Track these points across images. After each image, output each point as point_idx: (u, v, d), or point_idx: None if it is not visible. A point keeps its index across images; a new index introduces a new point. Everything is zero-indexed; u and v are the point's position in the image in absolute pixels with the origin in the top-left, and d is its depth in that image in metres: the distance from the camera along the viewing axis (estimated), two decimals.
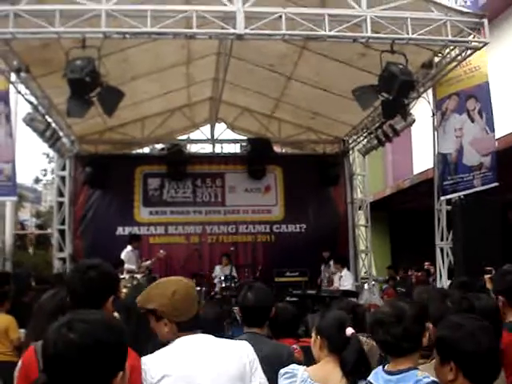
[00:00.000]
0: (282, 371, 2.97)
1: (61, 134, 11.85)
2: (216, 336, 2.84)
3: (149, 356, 2.60)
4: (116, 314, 4.39)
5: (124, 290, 7.99)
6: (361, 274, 14.58)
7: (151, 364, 2.55)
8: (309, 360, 3.29)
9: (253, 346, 2.89)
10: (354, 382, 2.88)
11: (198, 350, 2.61)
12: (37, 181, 37.88)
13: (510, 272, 3.84)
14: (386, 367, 2.70)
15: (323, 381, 2.94)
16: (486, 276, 5.61)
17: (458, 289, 4.22)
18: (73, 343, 1.60)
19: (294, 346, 3.86)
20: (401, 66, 8.20)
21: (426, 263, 14.92)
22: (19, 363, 2.68)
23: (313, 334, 3.17)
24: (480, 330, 2.32)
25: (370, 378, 2.73)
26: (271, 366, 3.11)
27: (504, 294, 3.48)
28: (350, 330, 3.00)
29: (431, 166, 11.05)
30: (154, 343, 2.75)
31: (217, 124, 14.76)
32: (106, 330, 1.68)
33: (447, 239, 10.23)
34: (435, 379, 2.44)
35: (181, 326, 2.66)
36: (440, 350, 2.38)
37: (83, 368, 1.59)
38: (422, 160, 16.06)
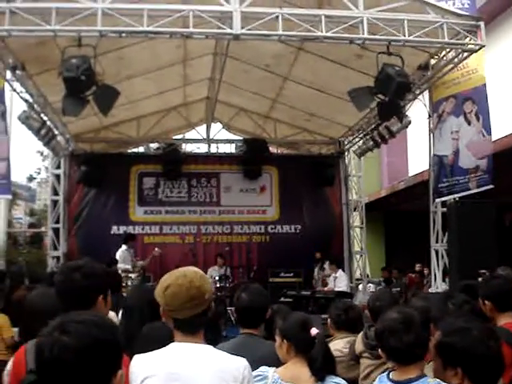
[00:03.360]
0: (253, 374, 2.97)
1: (56, 132, 11.81)
2: (212, 336, 2.79)
3: (138, 356, 2.52)
4: (112, 314, 4.38)
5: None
6: (355, 275, 14.58)
7: (137, 363, 2.48)
8: None
9: (249, 347, 2.89)
10: (322, 378, 2.95)
11: (185, 362, 2.46)
12: (30, 179, 37.85)
13: (496, 277, 3.89)
14: (391, 376, 2.65)
15: (293, 380, 2.99)
16: (480, 279, 5.63)
17: (461, 292, 4.20)
18: (69, 346, 1.57)
19: None
20: (397, 68, 8.20)
21: (418, 265, 14.97)
22: (9, 363, 2.67)
23: (277, 338, 3.19)
24: (486, 333, 2.29)
25: None
26: (267, 366, 3.12)
27: (490, 299, 3.50)
28: (314, 330, 3.08)
29: (427, 167, 11.07)
30: (154, 345, 2.67)
31: (212, 124, 14.74)
32: (100, 328, 1.66)
33: (442, 241, 10.24)
34: None
35: (176, 323, 2.55)
36: (444, 355, 2.32)
37: (82, 370, 1.57)
38: (418, 162, 16.13)
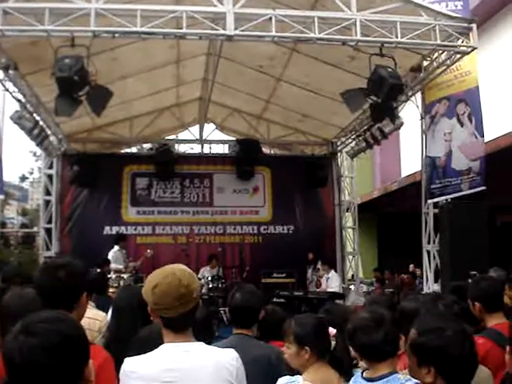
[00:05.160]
0: (281, 382, 2.91)
1: (49, 132, 11.78)
2: (205, 337, 2.78)
3: (131, 358, 2.49)
4: (103, 314, 4.38)
5: (111, 290, 8.00)
6: (348, 276, 14.62)
7: (132, 365, 2.46)
8: None
9: (241, 347, 2.86)
10: (350, 376, 2.90)
11: (177, 363, 2.45)
12: (23, 179, 37.78)
13: (485, 278, 3.92)
14: (364, 374, 2.71)
15: None
16: (469, 280, 5.66)
17: (451, 293, 4.24)
18: (38, 347, 1.57)
19: (284, 349, 3.85)
20: (390, 70, 8.24)
21: (411, 265, 15.03)
22: None
23: (293, 347, 3.05)
24: (461, 334, 2.32)
25: None
26: (260, 367, 3.12)
27: (479, 301, 3.53)
28: (332, 331, 3.05)
29: (419, 168, 11.09)
30: (143, 346, 2.66)
31: (205, 124, 14.75)
32: (63, 323, 1.67)
33: (434, 242, 10.26)
34: (418, 381, 2.40)
35: (165, 322, 2.51)
36: (418, 354, 2.35)
37: (55, 367, 1.58)
38: (410, 163, 16.16)
